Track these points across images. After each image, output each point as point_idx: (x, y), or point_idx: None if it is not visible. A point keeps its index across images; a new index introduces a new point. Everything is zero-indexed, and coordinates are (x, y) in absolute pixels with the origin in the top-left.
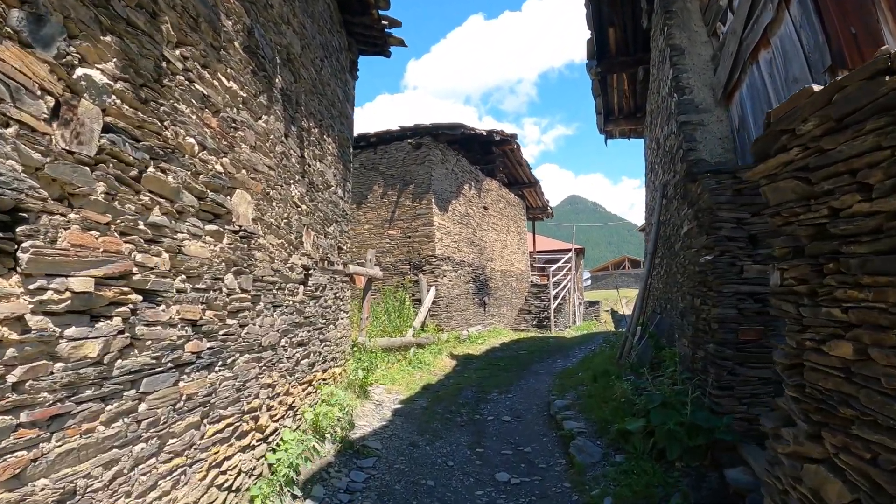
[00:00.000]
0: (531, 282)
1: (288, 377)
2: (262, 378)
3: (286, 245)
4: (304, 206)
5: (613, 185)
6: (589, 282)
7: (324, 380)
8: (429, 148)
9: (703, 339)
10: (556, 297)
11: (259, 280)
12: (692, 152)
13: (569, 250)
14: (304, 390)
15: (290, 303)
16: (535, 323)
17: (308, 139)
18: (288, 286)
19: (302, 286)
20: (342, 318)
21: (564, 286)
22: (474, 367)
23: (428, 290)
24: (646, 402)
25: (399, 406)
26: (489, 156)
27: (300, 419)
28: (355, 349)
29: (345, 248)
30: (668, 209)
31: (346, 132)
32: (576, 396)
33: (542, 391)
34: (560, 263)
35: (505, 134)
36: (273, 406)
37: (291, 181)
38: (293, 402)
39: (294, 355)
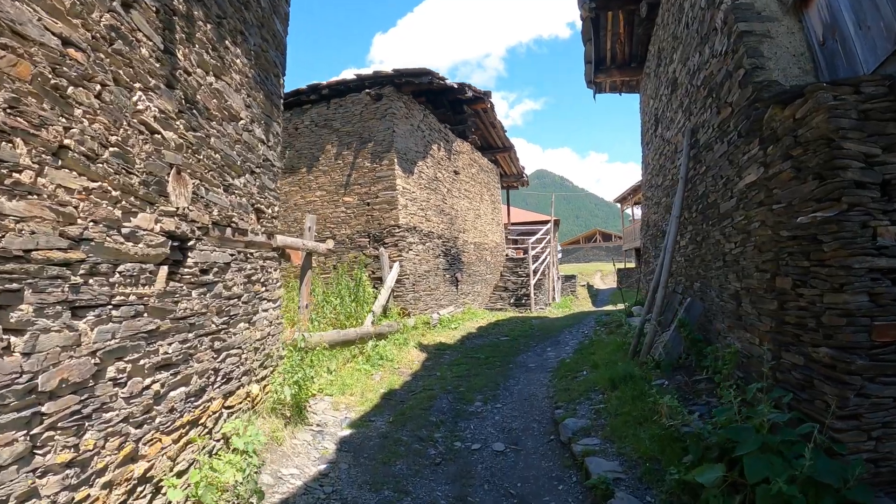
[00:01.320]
0: (507, 255)
1: (127, 433)
2: (39, 457)
3: (120, 195)
4: (171, 135)
5: (581, 160)
6: (560, 255)
7: (229, 408)
8: (391, 100)
9: (803, 338)
10: (535, 273)
11: (17, 258)
12: (759, 71)
13: (546, 222)
14: (179, 440)
15: (133, 299)
16: (512, 301)
17: (187, 31)
18: (123, 269)
19: (165, 267)
20: (264, 312)
21: (543, 260)
22: (448, 362)
23: (390, 267)
24: (723, 439)
25: (348, 432)
26: (460, 115)
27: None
28: (290, 351)
29: (269, 211)
30: (700, 160)
31: (273, 54)
32: (592, 412)
33: (540, 397)
34: (539, 235)
35: (478, 91)
36: None
37: (137, 83)
38: (145, 472)
39: (149, 389)
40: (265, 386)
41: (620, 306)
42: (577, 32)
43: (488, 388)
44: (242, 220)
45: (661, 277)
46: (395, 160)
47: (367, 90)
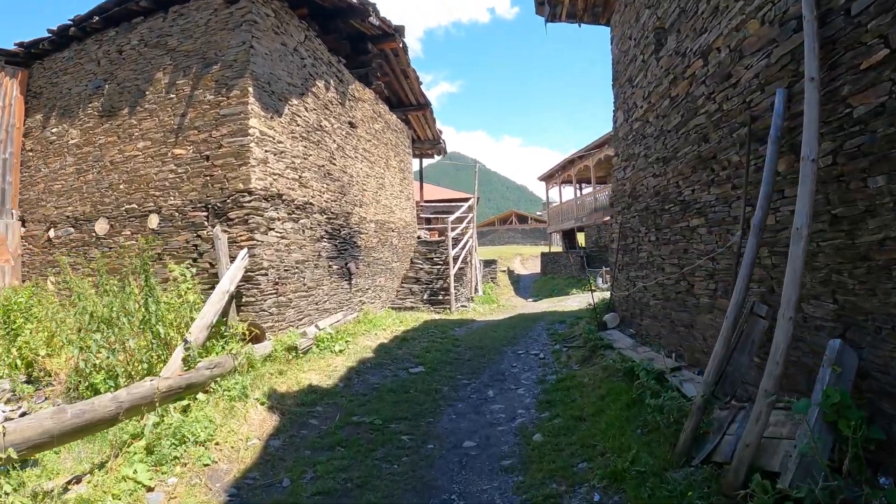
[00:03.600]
0: (419, 238)
1: None
2: None
3: None
4: None
5: (495, 143)
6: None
7: None
8: (252, 3)
9: None
10: (455, 260)
11: None
12: None
13: (466, 199)
14: None
15: None
16: (426, 297)
17: None
18: None
19: None
20: None
21: (465, 244)
22: (316, 439)
23: (232, 260)
24: None
25: None
26: (363, 55)
27: None
28: None
29: None
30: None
31: None
32: None
33: None
34: (459, 213)
35: (388, 24)
36: None
37: None
38: None
39: None
40: None
41: (560, 304)
42: (497, 18)
43: None
44: None
45: (739, 292)
46: (251, 90)
47: None
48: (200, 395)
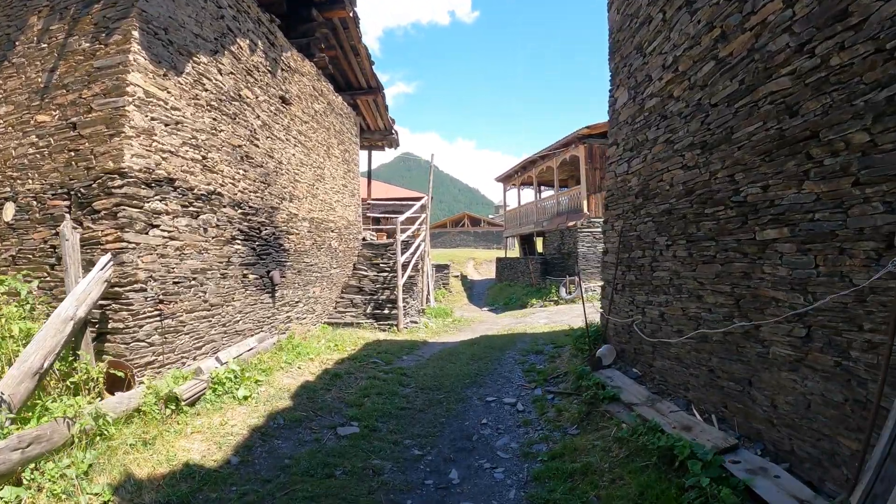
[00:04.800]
0: (363, 240)
1: None
2: None
3: None
4: None
5: (449, 145)
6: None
7: None
8: None
9: None
10: (405, 267)
11: None
12: None
13: (419, 198)
14: None
15: None
16: (370, 310)
17: None
18: None
19: None
20: None
21: (416, 249)
22: None
23: (85, 269)
24: None
25: None
26: (305, 24)
27: None
28: None
29: None
30: None
31: None
32: None
33: None
34: (411, 213)
35: None
36: None
37: None
38: None
39: None
40: None
41: (525, 320)
42: (457, 21)
43: None
44: None
45: None
46: (137, 35)
47: None
48: (6, 492)
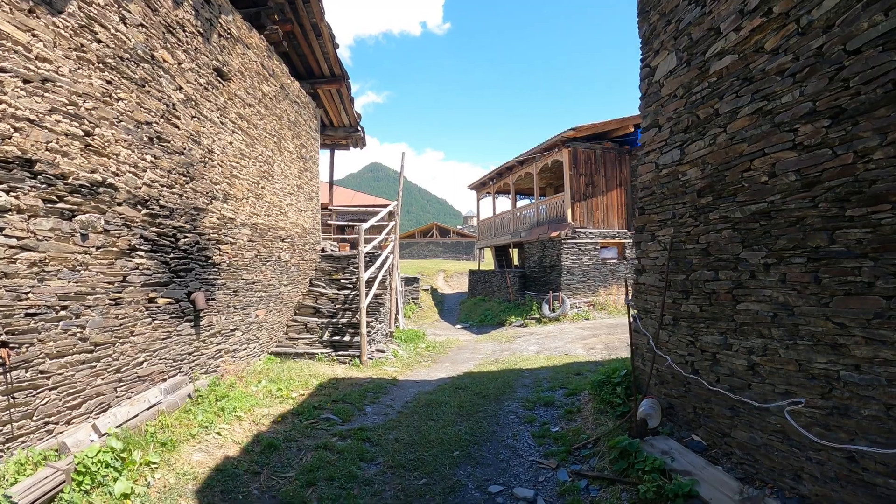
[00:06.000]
0: (322, 252)
1: None
2: None
3: None
4: None
5: (417, 156)
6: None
7: None
8: None
9: None
10: (370, 284)
11: None
12: None
13: (387, 206)
14: None
15: None
16: (327, 337)
17: None
18: None
19: None
20: None
21: (384, 262)
22: None
23: None
24: None
25: None
26: None
27: None
28: None
29: None
30: None
31: None
32: None
33: None
34: (376, 220)
35: None
36: None
37: None
38: None
39: None
40: None
41: (511, 346)
42: (428, 32)
43: None
44: None
45: None
46: None
47: None
48: None
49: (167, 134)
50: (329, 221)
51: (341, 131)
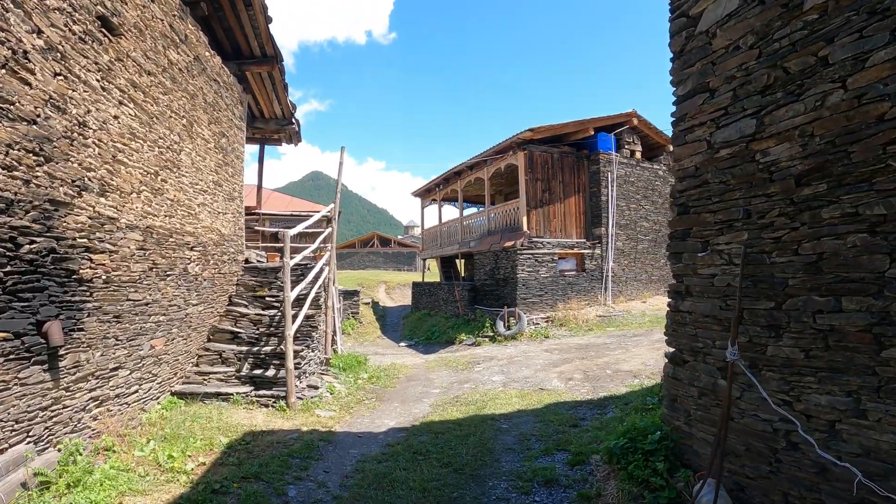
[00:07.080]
0: (245, 263)
1: None
2: None
3: None
4: None
5: (358, 165)
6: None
7: None
8: None
9: None
10: (300, 302)
11: None
12: None
13: (318, 211)
14: None
15: None
16: (247, 370)
17: None
18: None
19: None
20: None
21: (317, 276)
22: None
23: None
24: None
25: None
26: None
27: None
28: None
29: None
30: None
31: None
32: None
33: None
34: (305, 225)
35: None
36: None
37: None
38: None
39: None
40: None
41: (469, 374)
42: (373, 41)
43: None
44: None
45: None
46: None
47: None
48: None
49: (9, 91)
50: (257, 227)
51: (273, 124)
